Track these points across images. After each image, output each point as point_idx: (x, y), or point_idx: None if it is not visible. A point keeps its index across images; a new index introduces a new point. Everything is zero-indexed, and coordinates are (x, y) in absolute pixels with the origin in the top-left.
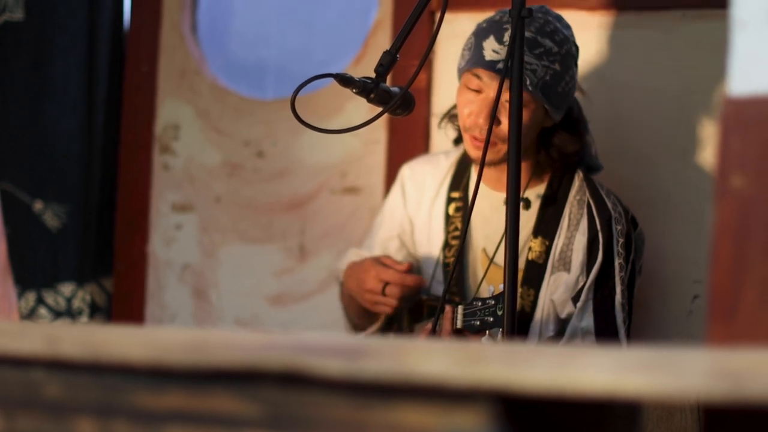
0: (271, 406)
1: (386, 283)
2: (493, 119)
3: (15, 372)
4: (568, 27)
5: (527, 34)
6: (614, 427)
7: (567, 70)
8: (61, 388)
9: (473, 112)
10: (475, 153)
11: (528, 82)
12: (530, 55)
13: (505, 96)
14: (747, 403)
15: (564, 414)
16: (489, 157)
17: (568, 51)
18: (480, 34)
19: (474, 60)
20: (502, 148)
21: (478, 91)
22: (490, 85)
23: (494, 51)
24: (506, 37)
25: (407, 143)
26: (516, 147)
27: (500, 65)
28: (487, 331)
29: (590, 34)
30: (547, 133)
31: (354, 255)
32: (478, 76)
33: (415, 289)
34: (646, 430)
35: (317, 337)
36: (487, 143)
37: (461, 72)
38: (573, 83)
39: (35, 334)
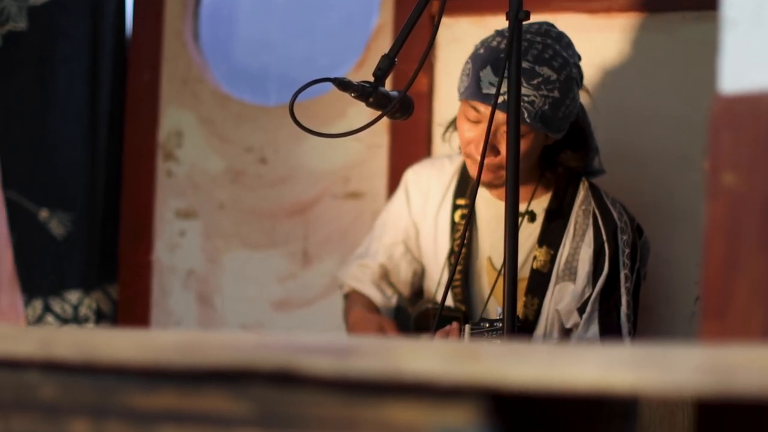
0: (262, 405)
1: None
2: (485, 153)
3: (10, 374)
4: (569, 45)
5: (524, 64)
6: (608, 425)
7: (567, 93)
8: (55, 389)
9: (472, 141)
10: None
11: (525, 115)
12: (528, 87)
13: (503, 128)
14: (737, 398)
15: (556, 411)
16: (492, 180)
17: (569, 75)
18: (477, 61)
19: (470, 91)
20: (504, 173)
21: (476, 122)
22: (487, 117)
23: (491, 83)
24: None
25: (409, 148)
26: (514, 162)
27: (498, 99)
28: None
29: (591, 37)
30: (551, 150)
31: (358, 270)
32: (475, 109)
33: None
34: (648, 430)
35: (308, 337)
36: (481, 167)
37: (460, 98)
38: (574, 103)
39: (30, 336)
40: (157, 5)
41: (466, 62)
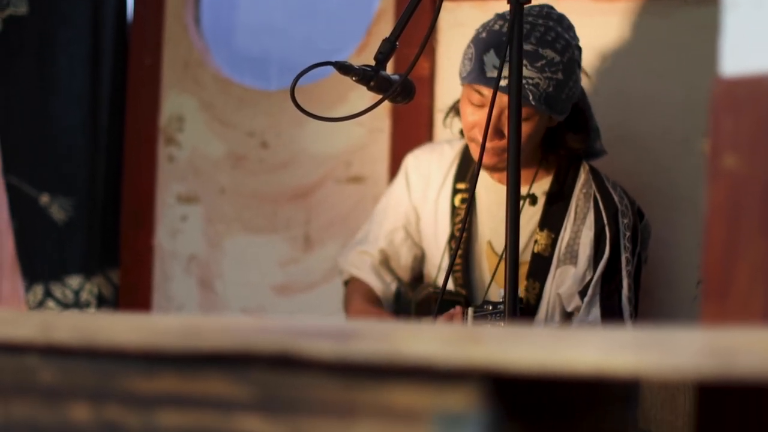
0: (262, 389)
1: None
2: (486, 137)
3: (10, 358)
4: (570, 27)
5: (527, 46)
6: (609, 408)
7: (570, 75)
8: (55, 373)
9: (477, 125)
10: (484, 165)
11: (531, 98)
12: (532, 69)
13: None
14: (737, 380)
15: (557, 394)
16: (496, 164)
17: (571, 57)
18: (479, 45)
19: (474, 75)
20: (505, 157)
21: (480, 106)
22: (490, 100)
23: (495, 67)
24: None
25: (411, 132)
26: (516, 145)
27: (502, 82)
28: None
29: (593, 21)
30: (553, 132)
31: (357, 257)
32: (479, 93)
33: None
34: (650, 413)
35: (308, 320)
36: (482, 152)
37: (462, 82)
38: (577, 85)
39: (30, 321)
40: None
41: (468, 46)
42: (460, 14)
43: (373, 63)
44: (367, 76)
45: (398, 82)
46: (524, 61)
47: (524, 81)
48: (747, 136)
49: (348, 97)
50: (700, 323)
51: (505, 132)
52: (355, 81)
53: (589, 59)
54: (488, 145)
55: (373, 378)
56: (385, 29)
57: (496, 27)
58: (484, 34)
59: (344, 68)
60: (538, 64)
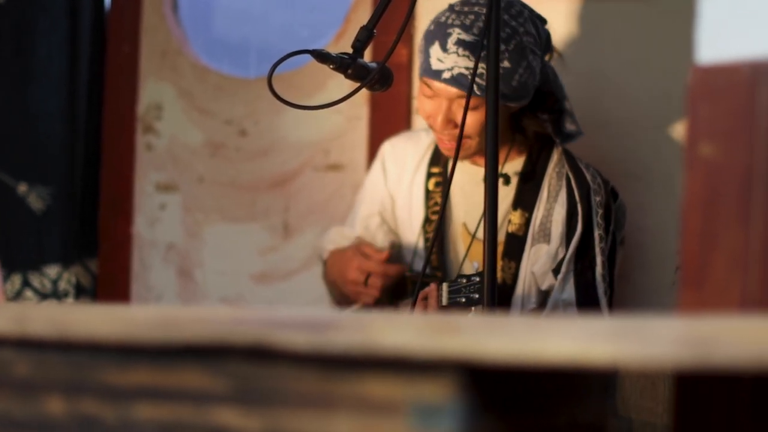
0: (238, 381)
1: (369, 274)
2: (462, 132)
3: None
4: (519, 14)
5: (468, 37)
6: (587, 397)
7: (519, 62)
8: (30, 366)
9: (431, 115)
10: (445, 152)
11: (475, 87)
12: (474, 60)
13: (462, 102)
14: (714, 370)
15: (534, 384)
16: (460, 154)
17: (519, 44)
18: (428, 37)
19: (423, 68)
20: (471, 143)
21: (431, 97)
22: (439, 92)
23: (439, 60)
24: (449, 44)
25: (389, 119)
26: (493, 131)
27: (445, 75)
28: (473, 308)
29: (566, 7)
30: (517, 116)
31: (336, 234)
32: (428, 85)
33: (397, 278)
34: (630, 400)
35: (284, 311)
36: (458, 151)
37: (419, 76)
38: (530, 71)
39: (4, 313)
40: None
41: (421, 40)
42: (438, 1)
43: (350, 51)
44: (345, 64)
45: (376, 70)
46: (466, 52)
47: (468, 72)
48: (723, 125)
49: (326, 85)
50: (678, 311)
51: (458, 122)
52: (332, 69)
53: (565, 44)
54: (445, 132)
55: (350, 369)
56: (364, 16)
57: (443, 19)
58: (432, 27)
59: (321, 56)
60: (482, 54)
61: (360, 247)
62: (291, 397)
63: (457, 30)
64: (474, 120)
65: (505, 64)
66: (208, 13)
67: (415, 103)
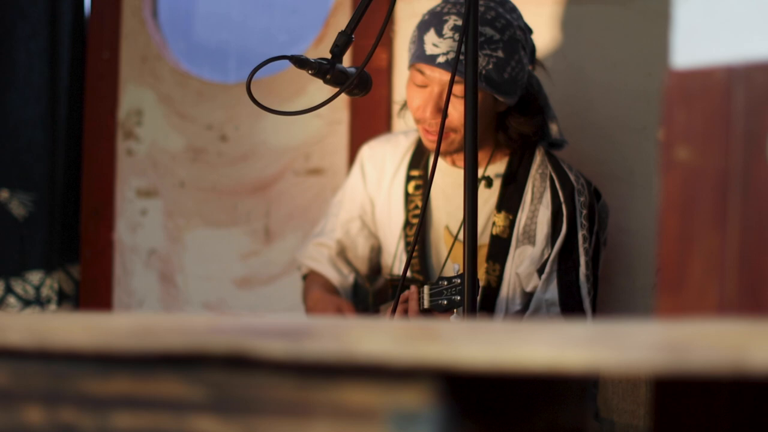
0: (216, 389)
1: None
2: (445, 116)
3: None
4: (513, 10)
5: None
6: (566, 401)
7: (512, 54)
8: (8, 376)
9: (420, 106)
10: (429, 144)
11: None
12: None
13: (454, 89)
14: (689, 374)
15: (512, 390)
16: (443, 148)
17: (512, 36)
18: (422, 27)
19: (416, 55)
20: (455, 138)
21: (423, 86)
22: (432, 79)
23: (434, 45)
24: (445, 29)
25: (370, 123)
26: (472, 127)
27: (440, 59)
28: (455, 310)
29: (548, 11)
30: (503, 116)
31: (314, 250)
32: (421, 72)
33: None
34: (612, 403)
35: (261, 319)
36: (440, 140)
37: (409, 66)
38: (521, 66)
39: None
40: None
41: (413, 32)
42: (417, 5)
43: (329, 56)
44: (323, 70)
45: (355, 75)
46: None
47: (461, 58)
48: (699, 128)
49: (306, 90)
50: (656, 315)
51: (450, 110)
52: (311, 74)
53: (545, 47)
54: (434, 122)
55: (327, 377)
56: (343, 21)
57: (437, 9)
58: (426, 17)
59: (300, 62)
60: (478, 41)
61: (340, 306)
62: (269, 404)
63: (453, 17)
64: (461, 112)
65: (499, 53)
66: (187, 18)
67: (395, 108)
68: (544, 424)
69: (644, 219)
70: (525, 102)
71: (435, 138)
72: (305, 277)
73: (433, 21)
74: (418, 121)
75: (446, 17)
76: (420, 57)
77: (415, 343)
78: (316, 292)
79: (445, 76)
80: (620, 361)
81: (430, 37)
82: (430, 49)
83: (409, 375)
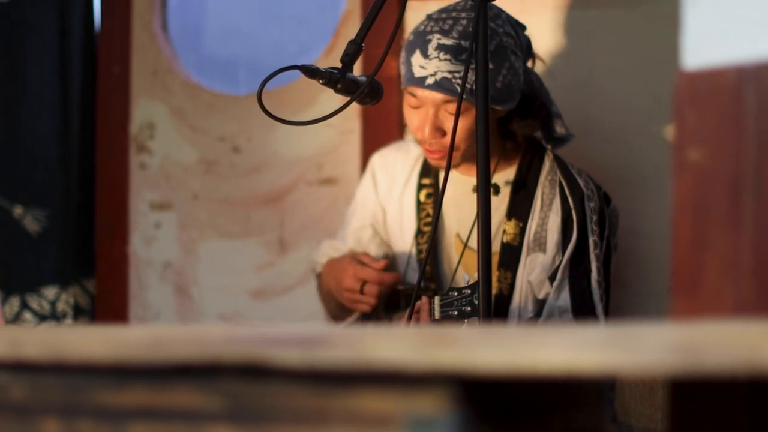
0: (232, 399)
1: (364, 282)
2: (454, 138)
3: None
4: (497, 16)
5: (449, 41)
6: (582, 405)
7: (502, 63)
8: (25, 390)
9: (419, 127)
10: (433, 162)
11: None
12: (457, 63)
13: (448, 108)
14: (704, 376)
15: (528, 394)
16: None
17: (499, 44)
18: (408, 48)
19: (407, 78)
20: (457, 155)
21: (417, 107)
22: (425, 100)
23: (421, 67)
24: (430, 49)
25: (381, 132)
26: (484, 139)
27: (429, 80)
28: (466, 321)
29: (553, 15)
30: (505, 121)
31: (329, 247)
32: (413, 94)
33: (393, 286)
34: (629, 406)
35: (276, 328)
36: (450, 160)
37: (402, 89)
38: (513, 72)
39: None
40: None
41: (401, 52)
42: (427, 12)
43: (340, 65)
44: (334, 79)
45: (365, 84)
46: (448, 56)
47: (451, 76)
48: (711, 130)
49: (318, 100)
50: (671, 318)
51: (446, 129)
52: (322, 84)
53: (553, 51)
54: (433, 141)
55: (343, 384)
56: (353, 30)
57: (421, 28)
58: (411, 37)
59: (311, 72)
60: (463, 57)
61: (356, 255)
62: (285, 413)
63: (437, 35)
64: (460, 127)
65: (489, 65)
66: (197, 31)
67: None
68: (561, 428)
69: (657, 222)
70: (526, 102)
71: (438, 156)
72: (319, 276)
73: (417, 42)
74: (420, 142)
75: (429, 36)
76: (410, 80)
77: (431, 348)
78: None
79: (436, 96)
80: (635, 364)
81: (417, 59)
82: (418, 72)
83: (424, 381)
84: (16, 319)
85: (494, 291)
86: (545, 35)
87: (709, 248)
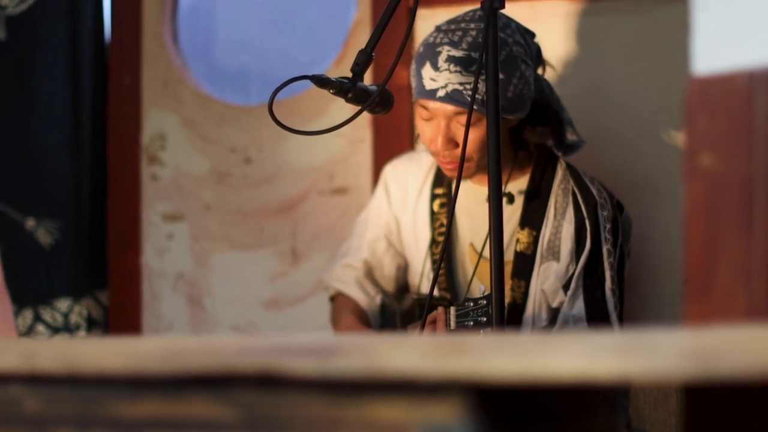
0: (246, 409)
1: None
2: (464, 151)
3: None
4: (506, 26)
5: (458, 53)
6: (597, 412)
7: (513, 72)
8: (40, 402)
9: (432, 139)
10: (449, 173)
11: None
12: (467, 74)
13: (460, 119)
14: (719, 381)
15: (542, 401)
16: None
17: (509, 54)
18: (419, 60)
19: (417, 90)
20: (470, 165)
21: (429, 119)
22: (436, 112)
23: (432, 79)
24: (440, 61)
25: (392, 141)
26: (495, 148)
27: (440, 93)
28: (481, 331)
29: (564, 22)
30: (517, 130)
31: (341, 271)
32: (424, 107)
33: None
34: (644, 412)
35: (290, 338)
36: (461, 170)
37: (413, 101)
38: (524, 81)
39: (12, 350)
40: (135, 8)
41: (411, 64)
42: (437, 21)
43: (350, 75)
44: (345, 89)
45: (376, 93)
46: (458, 68)
47: (462, 87)
48: (722, 135)
49: (328, 109)
50: (684, 323)
51: (458, 140)
52: (332, 93)
53: (565, 59)
54: (446, 152)
55: (357, 393)
56: (362, 40)
57: (431, 39)
58: (421, 49)
59: (321, 81)
60: (473, 69)
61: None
62: (299, 423)
63: (446, 47)
64: (473, 138)
65: (499, 76)
66: (207, 41)
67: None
68: None
69: (669, 228)
70: (537, 110)
71: (453, 167)
72: (332, 299)
73: (427, 54)
74: (434, 154)
75: (439, 48)
76: (421, 92)
77: (445, 357)
78: (349, 319)
79: (447, 108)
80: (650, 370)
81: (427, 71)
82: (429, 84)
83: (438, 389)
84: (29, 331)
85: (508, 300)
86: (556, 42)
87: (721, 253)
